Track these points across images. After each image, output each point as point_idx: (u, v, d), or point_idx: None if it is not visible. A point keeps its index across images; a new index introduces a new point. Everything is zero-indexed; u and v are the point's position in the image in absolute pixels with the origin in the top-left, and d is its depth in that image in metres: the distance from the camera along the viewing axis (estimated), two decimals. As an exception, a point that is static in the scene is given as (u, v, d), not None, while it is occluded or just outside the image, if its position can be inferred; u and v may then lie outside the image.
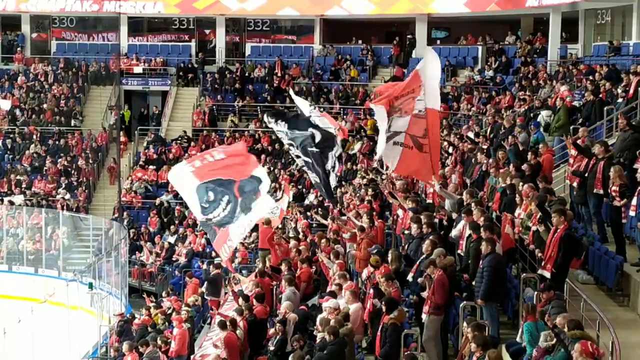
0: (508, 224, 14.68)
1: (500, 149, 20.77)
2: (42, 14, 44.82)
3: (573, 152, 16.90)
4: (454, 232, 15.56)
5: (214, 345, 16.19)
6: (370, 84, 40.65)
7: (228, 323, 15.77)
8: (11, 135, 40.89)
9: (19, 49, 44.79)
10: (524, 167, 17.41)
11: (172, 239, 33.57)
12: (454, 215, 16.44)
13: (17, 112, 41.76)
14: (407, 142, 16.66)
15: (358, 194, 23.28)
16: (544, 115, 23.94)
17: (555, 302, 12.03)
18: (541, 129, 22.66)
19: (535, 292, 12.56)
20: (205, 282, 21.94)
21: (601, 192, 15.19)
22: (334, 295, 15.30)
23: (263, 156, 37.30)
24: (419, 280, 13.82)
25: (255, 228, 24.72)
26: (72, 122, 41.50)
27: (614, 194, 14.45)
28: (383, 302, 13.24)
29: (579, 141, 17.29)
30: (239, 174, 17.22)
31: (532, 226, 13.96)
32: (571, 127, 21.83)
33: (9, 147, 40.52)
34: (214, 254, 26.50)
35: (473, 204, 15.17)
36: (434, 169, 17.04)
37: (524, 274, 13.71)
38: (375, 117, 17.11)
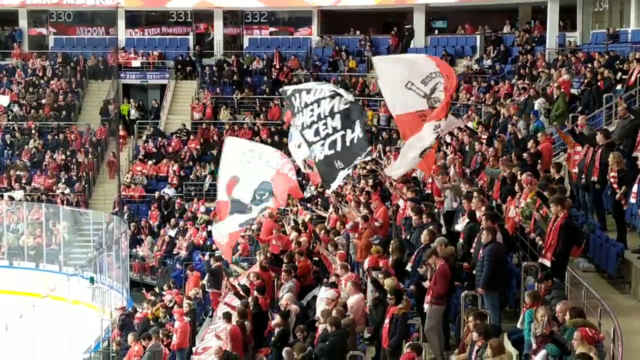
0: (513, 206, 14.65)
1: (497, 138, 20.77)
2: (39, 8, 44.74)
3: (579, 148, 16.76)
4: (458, 226, 15.51)
5: (216, 337, 16.21)
6: (368, 75, 40.61)
7: (236, 314, 15.80)
8: (10, 131, 40.85)
9: (16, 44, 44.73)
10: (525, 155, 17.41)
11: (172, 233, 33.58)
12: (455, 205, 16.44)
13: (16, 107, 41.71)
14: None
15: (357, 186, 23.24)
16: (540, 103, 23.93)
17: (556, 290, 12.02)
18: (541, 118, 22.64)
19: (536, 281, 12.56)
20: (207, 274, 21.95)
21: (596, 179, 15.17)
22: (334, 286, 15.30)
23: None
24: (419, 270, 13.82)
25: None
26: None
27: (612, 179, 14.44)
28: (390, 295, 13.22)
29: (576, 129, 17.29)
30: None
31: (535, 213, 13.92)
32: (570, 115, 21.82)
33: (8, 142, 40.50)
34: (214, 246, 26.49)
35: (475, 193, 15.17)
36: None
37: (525, 263, 13.70)
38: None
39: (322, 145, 16.02)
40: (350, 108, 15.76)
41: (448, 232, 15.69)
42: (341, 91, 16.01)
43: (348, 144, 15.75)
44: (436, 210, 16.69)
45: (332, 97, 15.90)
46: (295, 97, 16.31)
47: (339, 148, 15.75)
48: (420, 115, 15.20)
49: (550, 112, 23.06)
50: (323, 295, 14.84)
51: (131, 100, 42.42)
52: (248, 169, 18.65)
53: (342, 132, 15.81)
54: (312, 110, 16.04)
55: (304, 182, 34.08)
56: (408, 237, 16.10)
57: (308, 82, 17.29)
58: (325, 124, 15.97)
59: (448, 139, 24.15)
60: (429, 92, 15.21)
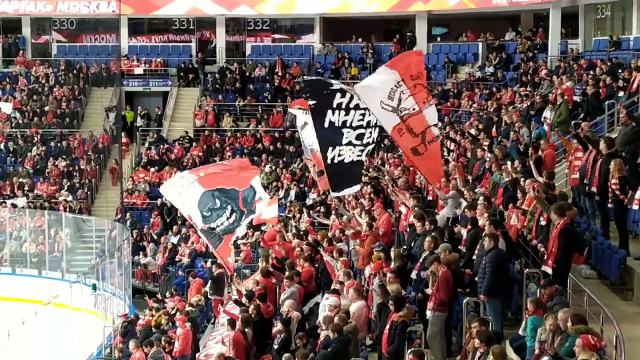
0: (515, 213, 14.67)
1: (498, 145, 20.80)
2: (42, 16, 44.85)
3: (579, 154, 16.76)
4: (464, 233, 15.50)
5: (222, 342, 16.23)
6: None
7: (239, 321, 15.81)
8: (13, 138, 40.89)
9: (19, 51, 44.82)
10: (530, 162, 17.43)
11: (175, 240, 33.57)
12: (457, 211, 16.43)
13: (19, 114, 41.77)
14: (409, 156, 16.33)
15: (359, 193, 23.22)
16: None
17: (558, 297, 12.02)
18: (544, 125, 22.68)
19: (538, 288, 12.55)
20: (210, 281, 21.96)
21: (595, 190, 15.18)
22: (337, 292, 15.31)
23: (264, 155, 37.34)
24: (422, 274, 13.82)
25: (258, 227, 24.85)
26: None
27: (614, 187, 14.44)
28: (391, 300, 13.23)
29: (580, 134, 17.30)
30: (240, 184, 17.51)
31: (542, 221, 13.93)
32: (572, 122, 21.83)
33: (11, 149, 40.54)
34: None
35: (480, 199, 15.18)
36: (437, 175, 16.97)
37: (527, 270, 13.70)
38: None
39: (361, 151, 16.32)
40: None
41: (450, 239, 15.69)
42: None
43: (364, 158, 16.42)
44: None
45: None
46: (344, 93, 16.19)
47: (364, 158, 16.37)
48: (398, 130, 15.45)
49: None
50: (326, 302, 14.84)
51: (138, 107, 42.46)
52: (184, 199, 18.29)
53: (374, 145, 16.51)
54: (362, 115, 16.11)
55: (305, 188, 34.20)
56: (411, 245, 16.11)
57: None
58: (370, 133, 16.32)
59: (451, 146, 24.20)
60: (396, 105, 15.48)
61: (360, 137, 16.17)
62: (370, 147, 16.46)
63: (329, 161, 16.22)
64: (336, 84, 16.71)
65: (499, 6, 38.89)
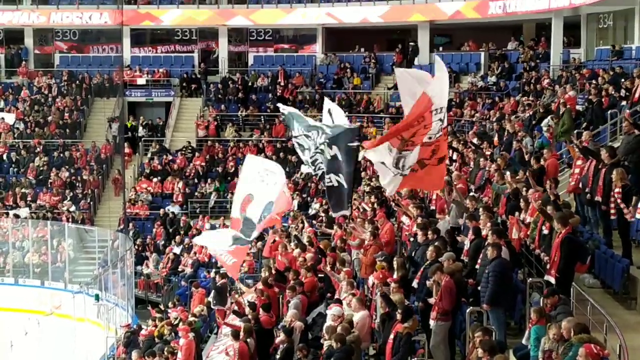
0: (515, 227, 14.67)
1: (500, 154, 20.79)
2: (45, 27, 44.95)
3: (579, 162, 16.78)
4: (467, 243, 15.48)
5: (225, 353, 16.20)
6: (373, 92, 40.74)
7: (242, 332, 15.79)
8: (16, 149, 40.94)
9: (22, 62, 44.90)
10: (528, 172, 17.43)
11: (177, 250, 33.56)
12: (460, 221, 16.42)
13: (21, 125, 41.83)
14: (414, 168, 15.83)
15: (361, 203, 23.22)
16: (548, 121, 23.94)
17: (561, 306, 12.00)
18: (546, 134, 22.66)
19: (541, 297, 12.53)
20: (213, 291, 21.93)
21: (600, 199, 15.17)
22: (339, 302, 15.29)
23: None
24: (428, 283, 13.78)
25: (260, 237, 24.85)
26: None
27: (617, 195, 14.43)
28: (400, 310, 13.20)
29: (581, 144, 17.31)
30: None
31: (545, 230, 13.92)
32: (575, 132, 21.83)
33: (14, 160, 40.58)
34: (219, 263, 26.50)
35: (481, 209, 15.17)
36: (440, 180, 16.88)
37: (530, 279, 13.68)
38: (374, 159, 15.63)
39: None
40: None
41: (452, 249, 15.69)
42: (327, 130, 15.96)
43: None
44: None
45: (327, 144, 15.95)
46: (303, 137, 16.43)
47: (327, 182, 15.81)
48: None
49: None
50: (329, 312, 14.81)
51: (141, 118, 42.48)
52: (262, 188, 18.77)
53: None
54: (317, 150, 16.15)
55: (308, 198, 34.19)
56: (413, 254, 16.09)
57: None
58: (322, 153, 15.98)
59: (454, 156, 24.19)
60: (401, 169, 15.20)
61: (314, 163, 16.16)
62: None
63: (326, 183, 16.27)
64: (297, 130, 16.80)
65: (498, 16, 38.90)
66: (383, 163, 14.91)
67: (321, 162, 15.80)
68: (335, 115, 18.13)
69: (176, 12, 43.72)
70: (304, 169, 20.93)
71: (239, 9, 43.37)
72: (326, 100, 19.67)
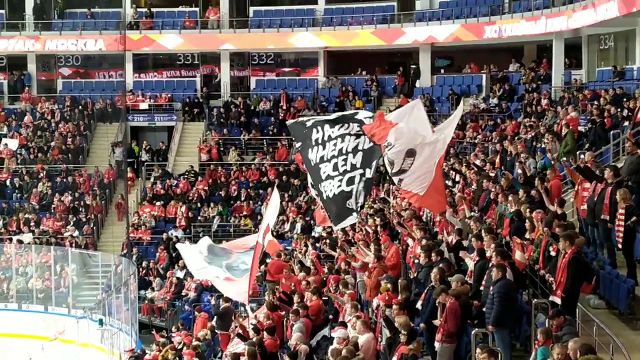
0: (518, 248, 14.67)
1: (503, 176, 20.83)
2: (48, 53, 45.13)
3: (587, 184, 16.78)
4: (470, 264, 15.46)
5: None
6: (375, 115, 40.71)
7: (246, 356, 15.75)
8: (19, 174, 40.99)
9: (25, 88, 45.05)
10: (533, 193, 17.43)
11: (181, 274, 33.53)
12: (464, 243, 16.41)
13: (24, 150, 41.92)
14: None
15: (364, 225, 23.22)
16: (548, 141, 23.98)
17: (567, 327, 11.98)
18: (548, 155, 22.71)
19: (547, 318, 12.51)
20: (216, 316, 21.90)
21: (607, 218, 15.19)
22: (344, 325, 15.26)
23: (270, 189, 37.34)
24: (437, 300, 13.70)
25: (262, 261, 24.85)
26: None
27: (620, 216, 14.44)
28: (404, 331, 13.17)
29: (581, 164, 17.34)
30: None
31: (552, 252, 13.91)
32: (578, 152, 21.87)
33: (17, 185, 40.62)
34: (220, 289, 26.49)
35: (483, 231, 15.16)
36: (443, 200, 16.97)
37: (535, 300, 13.66)
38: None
39: (340, 180, 16.05)
40: (374, 148, 15.87)
41: (458, 270, 15.67)
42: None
43: (362, 184, 15.92)
44: (444, 247, 16.62)
45: (358, 136, 16.04)
46: (317, 129, 16.21)
47: (355, 185, 15.90)
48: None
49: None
50: (334, 334, 14.79)
51: (143, 142, 42.56)
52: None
53: (361, 171, 15.93)
54: (335, 144, 16.05)
55: (311, 222, 34.18)
56: (416, 275, 16.08)
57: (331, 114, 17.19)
58: (345, 159, 16.06)
59: (457, 178, 24.21)
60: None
61: (335, 167, 16.06)
62: (352, 174, 16.02)
63: (324, 196, 16.26)
64: (309, 121, 16.75)
65: (492, 39, 39.03)
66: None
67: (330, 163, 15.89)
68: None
69: (178, 38, 43.85)
70: (312, 192, 20.94)
71: (241, 34, 43.48)
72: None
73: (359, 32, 42.21)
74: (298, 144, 16.86)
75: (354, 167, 15.95)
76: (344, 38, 42.53)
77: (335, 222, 17.01)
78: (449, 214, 17.77)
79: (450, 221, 17.73)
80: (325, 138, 16.10)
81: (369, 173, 15.94)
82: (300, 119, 17.56)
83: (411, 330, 13.24)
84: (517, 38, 38.40)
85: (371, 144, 15.83)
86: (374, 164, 15.96)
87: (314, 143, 16.21)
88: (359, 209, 16.47)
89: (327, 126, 16.18)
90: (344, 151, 15.92)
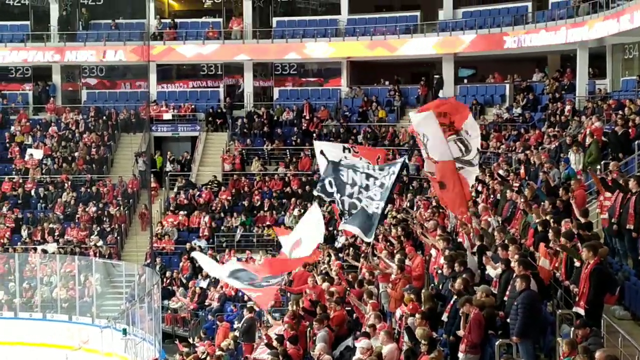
0: (544, 256, 14.61)
1: (527, 186, 20.76)
2: (72, 64, 45.45)
3: (608, 194, 16.73)
4: (491, 272, 15.44)
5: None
6: (398, 125, 40.78)
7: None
8: (44, 184, 41.24)
9: (50, 98, 45.36)
10: (558, 203, 17.37)
11: (204, 284, 33.61)
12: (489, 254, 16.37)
13: (49, 161, 42.19)
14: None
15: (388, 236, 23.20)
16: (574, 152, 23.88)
17: (592, 338, 11.92)
18: (573, 165, 22.62)
19: (572, 329, 12.45)
20: (241, 326, 21.94)
21: (632, 227, 15.10)
22: (367, 335, 15.24)
23: (293, 199, 37.41)
24: (461, 310, 13.66)
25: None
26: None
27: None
28: (424, 341, 13.14)
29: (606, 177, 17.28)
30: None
31: (577, 263, 13.85)
32: (602, 162, 21.77)
33: (42, 195, 40.86)
34: (246, 297, 26.52)
35: (508, 241, 15.12)
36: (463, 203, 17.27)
37: (560, 311, 13.59)
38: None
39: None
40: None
41: (481, 280, 15.64)
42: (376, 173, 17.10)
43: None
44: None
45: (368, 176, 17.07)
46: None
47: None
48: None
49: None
50: (358, 345, 14.77)
51: (167, 153, 42.74)
52: (307, 236, 19.43)
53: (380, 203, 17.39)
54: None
55: (334, 232, 34.15)
56: (440, 287, 16.04)
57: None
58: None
59: (480, 188, 24.14)
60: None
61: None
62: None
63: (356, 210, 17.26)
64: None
65: (514, 49, 38.93)
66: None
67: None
68: (328, 153, 19.01)
69: (201, 48, 44.01)
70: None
71: (264, 44, 43.59)
72: (315, 143, 20.73)
73: (382, 42, 42.19)
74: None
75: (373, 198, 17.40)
76: (366, 48, 42.53)
77: (368, 236, 17.70)
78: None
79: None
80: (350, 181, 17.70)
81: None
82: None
83: (431, 340, 13.20)
84: (540, 48, 38.27)
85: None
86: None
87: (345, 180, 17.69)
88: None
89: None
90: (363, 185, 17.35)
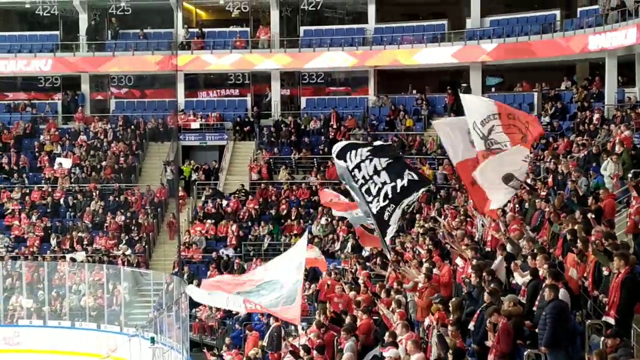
0: (572, 266, 14.51)
1: (556, 195, 20.62)
2: (101, 73, 45.75)
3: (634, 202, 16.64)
4: (519, 279, 15.36)
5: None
6: (425, 134, 40.69)
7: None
8: (72, 193, 41.48)
9: (79, 108, 45.66)
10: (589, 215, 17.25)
11: (231, 293, 33.56)
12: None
13: (78, 170, 42.44)
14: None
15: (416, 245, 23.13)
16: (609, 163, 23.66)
17: (622, 349, 11.81)
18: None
19: (602, 339, 12.34)
20: (267, 335, 21.90)
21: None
22: (395, 345, 15.18)
23: (320, 208, 37.36)
24: (488, 320, 13.59)
25: (316, 279, 24.85)
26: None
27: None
28: (450, 352, 13.09)
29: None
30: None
31: (605, 271, 13.75)
32: (632, 171, 21.58)
33: (71, 204, 41.11)
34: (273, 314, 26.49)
35: (536, 251, 15.03)
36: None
37: (589, 321, 13.48)
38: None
39: (377, 200, 17.26)
40: (393, 163, 16.80)
41: (508, 288, 15.56)
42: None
43: (399, 190, 17.26)
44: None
45: (370, 159, 16.94)
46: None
47: (390, 195, 17.18)
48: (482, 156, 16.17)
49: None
50: (386, 354, 14.72)
51: (191, 162, 42.88)
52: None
53: (393, 184, 16.74)
54: (354, 175, 17.06)
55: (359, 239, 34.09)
56: (468, 294, 15.97)
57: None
58: (373, 182, 17.36)
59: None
60: (486, 133, 15.97)
61: (369, 192, 17.53)
62: (384, 189, 17.43)
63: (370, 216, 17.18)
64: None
65: (543, 57, 38.74)
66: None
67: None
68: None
69: (229, 57, 44.15)
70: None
71: (291, 53, 43.67)
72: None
73: (409, 50, 42.15)
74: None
75: (384, 183, 17.44)
76: (393, 57, 42.49)
77: (386, 236, 17.65)
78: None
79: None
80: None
81: (401, 181, 17.38)
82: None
83: (457, 350, 13.13)
84: (570, 55, 38.09)
85: (388, 161, 16.77)
86: (405, 171, 17.43)
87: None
88: (402, 206, 17.65)
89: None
90: (366, 177, 17.48)
